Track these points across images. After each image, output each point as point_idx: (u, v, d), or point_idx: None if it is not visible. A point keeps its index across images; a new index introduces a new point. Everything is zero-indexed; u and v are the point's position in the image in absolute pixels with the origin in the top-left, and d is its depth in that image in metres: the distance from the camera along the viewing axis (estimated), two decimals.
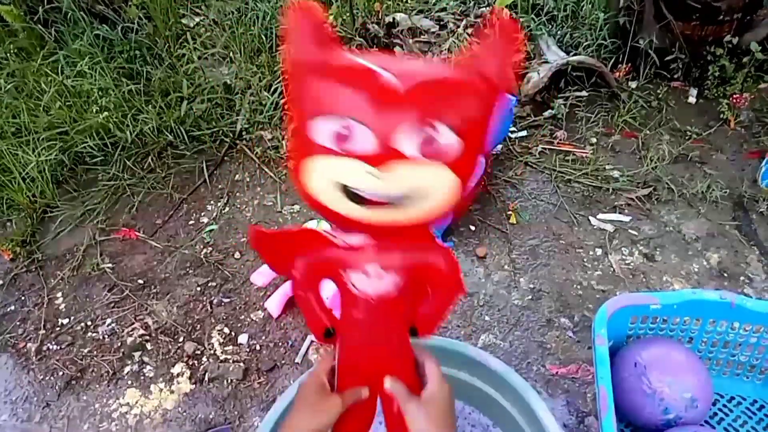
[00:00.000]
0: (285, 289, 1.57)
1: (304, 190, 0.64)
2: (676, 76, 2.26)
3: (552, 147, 2.04)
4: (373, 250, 0.70)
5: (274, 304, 1.55)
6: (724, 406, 1.29)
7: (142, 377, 1.49)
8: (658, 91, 2.23)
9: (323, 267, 0.74)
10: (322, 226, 1.70)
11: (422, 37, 2.39)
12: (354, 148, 0.58)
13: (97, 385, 1.48)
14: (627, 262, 1.65)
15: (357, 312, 0.72)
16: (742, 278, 1.58)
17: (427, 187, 0.61)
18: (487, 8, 2.55)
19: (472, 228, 1.79)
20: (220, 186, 2.03)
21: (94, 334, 1.60)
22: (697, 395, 1.15)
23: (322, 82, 0.60)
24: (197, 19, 2.71)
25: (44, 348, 1.58)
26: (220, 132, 2.19)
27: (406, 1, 2.64)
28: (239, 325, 1.57)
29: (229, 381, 1.44)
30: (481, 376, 1.13)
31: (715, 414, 1.28)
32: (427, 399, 0.73)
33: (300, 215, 1.90)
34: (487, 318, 1.54)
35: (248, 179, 2.05)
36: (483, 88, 0.61)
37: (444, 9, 2.59)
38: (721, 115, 2.10)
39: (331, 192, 0.61)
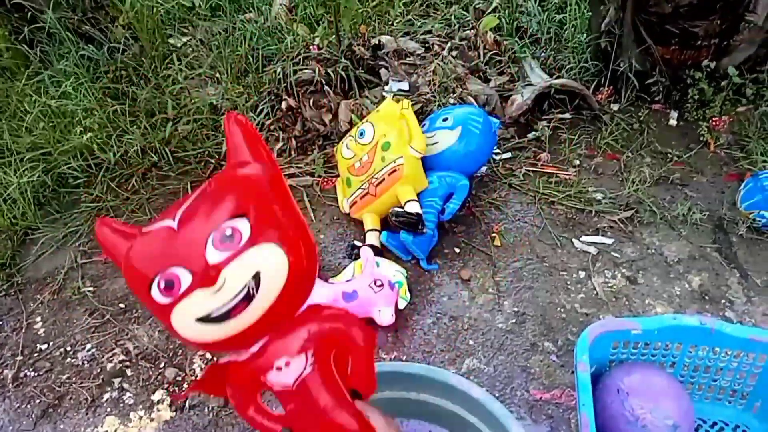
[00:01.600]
0: None
1: (180, 338, 0.69)
2: (656, 99, 2.30)
3: (536, 169, 2.06)
4: (273, 345, 0.74)
5: None
6: (707, 431, 1.29)
7: (122, 404, 1.46)
8: (640, 114, 2.26)
9: (246, 384, 0.78)
10: None
11: (408, 59, 2.41)
12: (183, 287, 0.65)
13: (75, 413, 1.45)
14: (610, 284, 1.66)
15: (290, 404, 0.76)
16: (723, 301, 1.60)
17: (259, 270, 0.65)
18: (472, 31, 2.59)
19: (457, 250, 1.79)
20: None
21: (73, 360, 1.58)
22: (679, 421, 1.15)
23: (131, 260, 0.70)
24: (184, 40, 2.72)
25: (21, 375, 1.55)
26: (206, 153, 2.18)
27: (392, 24, 2.68)
28: None
29: (210, 408, 1.42)
30: (463, 404, 1.12)
31: None
32: None
33: None
34: (471, 342, 1.53)
35: None
36: (240, 171, 0.69)
37: (429, 32, 2.63)
38: (702, 138, 2.14)
39: (199, 328, 0.66)
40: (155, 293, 0.66)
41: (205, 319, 0.65)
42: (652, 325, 1.23)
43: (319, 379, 0.76)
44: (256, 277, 0.65)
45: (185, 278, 0.64)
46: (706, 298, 1.61)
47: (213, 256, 0.64)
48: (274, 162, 0.72)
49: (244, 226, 0.65)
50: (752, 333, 1.21)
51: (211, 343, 0.69)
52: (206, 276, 0.64)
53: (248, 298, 0.65)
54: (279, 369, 0.73)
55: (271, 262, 0.66)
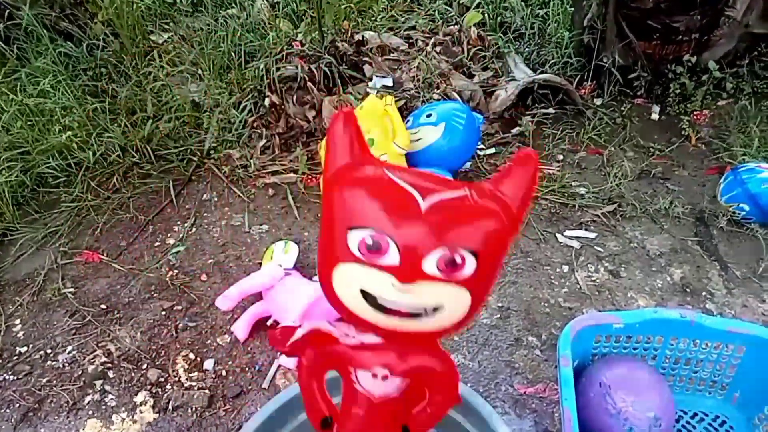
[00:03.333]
0: (252, 312, 1.54)
1: (332, 292, 0.68)
2: (639, 94, 2.31)
3: None
4: (383, 351, 0.73)
5: (241, 327, 1.53)
6: (688, 422, 1.31)
7: (104, 407, 1.44)
8: (622, 108, 2.28)
9: (332, 360, 0.77)
10: (289, 247, 1.69)
11: (391, 55, 2.40)
12: (381, 260, 0.62)
13: (56, 417, 1.43)
14: (593, 278, 1.67)
15: (357, 408, 0.76)
16: (703, 293, 1.62)
17: (445, 304, 0.65)
18: (456, 26, 2.58)
19: None
20: (187, 206, 2.00)
21: (53, 363, 1.55)
22: (660, 414, 1.16)
23: (356, 192, 0.65)
24: (165, 36, 2.68)
25: (0, 378, 1.52)
26: (188, 151, 2.16)
27: (375, 20, 2.66)
28: (205, 350, 1.54)
29: (194, 409, 1.40)
30: None
31: (679, 431, 1.29)
32: None
33: (268, 235, 1.87)
34: (455, 338, 1.53)
35: (216, 199, 2.02)
36: (502, 215, 0.65)
37: (413, 27, 2.62)
38: (683, 132, 2.16)
39: (356, 297, 0.65)
40: (353, 240, 0.62)
41: (368, 296, 0.64)
42: (633, 318, 1.24)
43: (397, 407, 0.76)
44: (437, 309, 0.64)
45: (391, 255, 0.61)
46: (688, 290, 1.63)
47: (429, 265, 0.61)
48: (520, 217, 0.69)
49: (471, 264, 0.63)
50: (731, 325, 1.22)
51: (346, 310, 0.67)
52: (409, 273, 0.61)
53: (414, 316, 0.64)
54: (375, 376, 0.73)
55: (458, 308, 0.65)
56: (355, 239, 0.62)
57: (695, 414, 1.32)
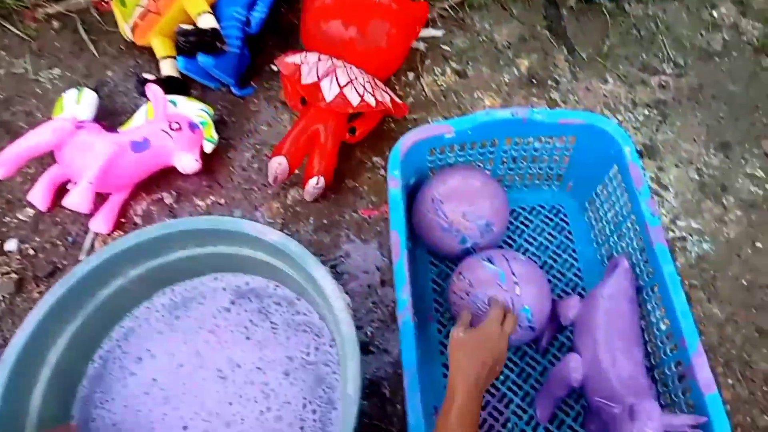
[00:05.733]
0: (48, 176, 1.30)
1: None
2: None
3: None
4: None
5: (39, 194, 1.30)
6: (526, 217, 1.32)
7: None
8: None
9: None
10: (83, 95, 1.39)
11: None
12: None
13: None
14: (439, 83, 1.54)
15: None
16: (549, 82, 1.55)
17: None
18: None
19: (274, 68, 1.55)
20: None
21: None
22: (491, 219, 1.14)
23: None
24: None
25: None
26: None
27: None
28: (4, 229, 1.32)
29: (2, 297, 1.24)
30: (264, 249, 1.03)
31: (517, 227, 1.31)
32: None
33: (62, 81, 1.53)
34: (296, 170, 1.40)
35: None
36: None
37: None
38: None
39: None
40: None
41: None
42: (464, 125, 1.15)
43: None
44: None
45: None
46: (534, 81, 1.55)
47: None
48: None
49: None
50: (561, 116, 1.16)
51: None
52: None
53: None
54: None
55: None
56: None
57: (533, 208, 1.34)
